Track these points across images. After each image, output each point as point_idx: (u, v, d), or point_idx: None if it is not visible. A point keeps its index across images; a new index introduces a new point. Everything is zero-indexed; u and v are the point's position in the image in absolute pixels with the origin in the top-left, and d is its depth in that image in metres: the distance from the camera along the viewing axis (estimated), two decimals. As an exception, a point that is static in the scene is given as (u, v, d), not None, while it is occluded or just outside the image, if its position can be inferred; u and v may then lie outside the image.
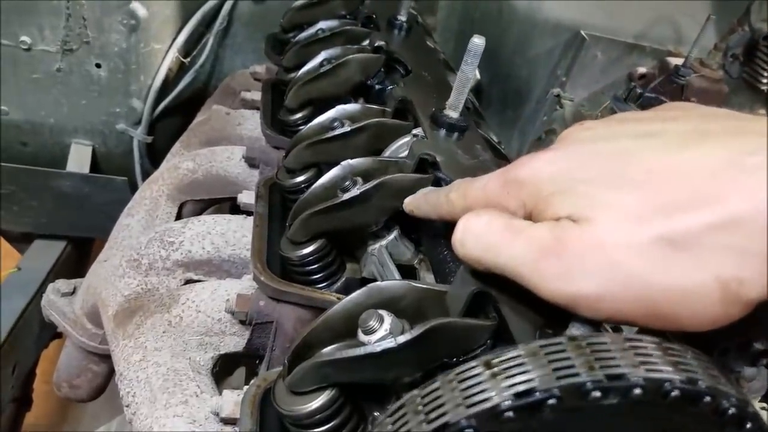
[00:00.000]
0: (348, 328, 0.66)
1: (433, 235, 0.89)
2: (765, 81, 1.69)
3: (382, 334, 0.62)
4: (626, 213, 0.50)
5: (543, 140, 1.77)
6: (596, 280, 0.50)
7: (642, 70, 1.74)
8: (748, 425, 0.47)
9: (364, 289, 0.67)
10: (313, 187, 0.90)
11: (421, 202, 0.79)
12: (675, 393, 0.45)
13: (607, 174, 0.53)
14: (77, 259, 2.06)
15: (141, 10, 1.75)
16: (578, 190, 0.54)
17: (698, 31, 1.57)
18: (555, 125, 1.74)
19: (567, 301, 0.52)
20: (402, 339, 0.59)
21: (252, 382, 0.74)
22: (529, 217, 0.58)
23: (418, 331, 0.59)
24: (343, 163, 0.88)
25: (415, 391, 0.49)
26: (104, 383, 1.38)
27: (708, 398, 0.46)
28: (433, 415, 0.45)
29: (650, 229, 0.49)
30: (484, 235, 0.58)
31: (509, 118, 1.90)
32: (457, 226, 0.60)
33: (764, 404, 1.03)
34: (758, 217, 0.45)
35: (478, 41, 0.86)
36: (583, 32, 1.67)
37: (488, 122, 1.31)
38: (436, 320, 0.61)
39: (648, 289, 0.49)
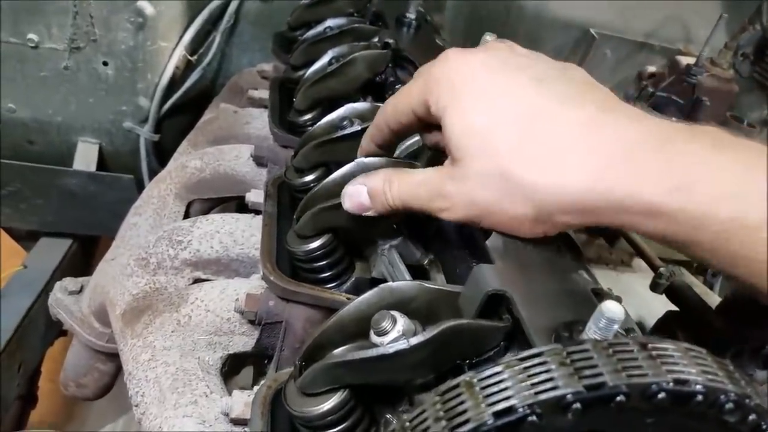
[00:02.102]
0: (360, 329, 0.65)
1: (443, 236, 0.88)
2: (775, 80, 1.68)
3: (394, 335, 0.62)
4: (487, 148, 0.64)
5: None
6: (464, 210, 0.68)
7: (651, 68, 1.74)
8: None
9: (375, 289, 0.67)
10: (325, 182, 0.89)
11: (369, 132, 0.87)
12: (699, 398, 0.45)
13: (492, 103, 0.66)
14: (83, 257, 2.07)
15: (148, 9, 1.75)
16: (468, 124, 0.67)
17: (707, 30, 1.56)
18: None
19: (455, 221, 0.71)
20: (415, 340, 0.59)
21: (262, 382, 0.74)
22: (444, 111, 0.69)
23: (431, 332, 0.59)
24: (357, 160, 0.87)
25: (436, 396, 0.48)
26: (111, 382, 1.38)
27: (730, 403, 0.46)
28: (457, 420, 0.45)
29: (500, 164, 0.63)
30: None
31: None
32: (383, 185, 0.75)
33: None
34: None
35: (489, 39, 0.86)
36: (592, 30, 1.66)
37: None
38: (450, 322, 0.60)
39: (484, 211, 0.66)
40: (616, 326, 0.52)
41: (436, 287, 0.68)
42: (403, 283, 0.68)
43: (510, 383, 0.46)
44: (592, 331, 0.53)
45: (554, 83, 0.66)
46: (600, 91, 0.68)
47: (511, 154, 0.63)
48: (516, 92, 0.66)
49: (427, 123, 0.76)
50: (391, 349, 0.59)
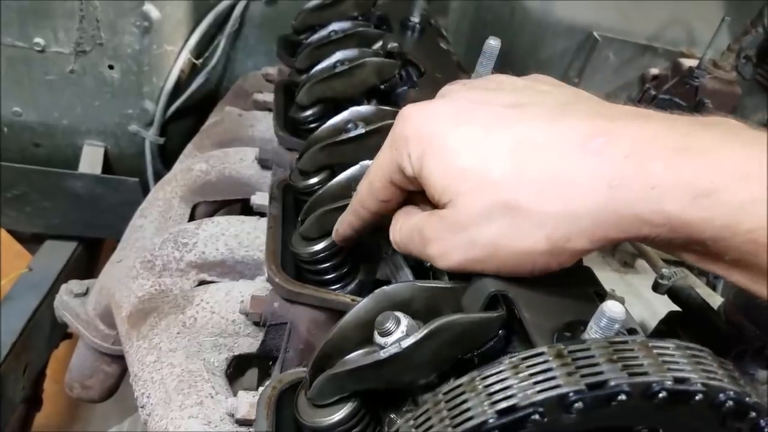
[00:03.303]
0: (364, 334, 0.65)
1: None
2: (778, 83, 1.68)
3: (398, 335, 0.62)
4: (483, 183, 0.59)
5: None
6: (462, 253, 0.61)
7: (654, 71, 1.74)
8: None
9: (371, 295, 0.66)
10: (329, 184, 0.90)
11: (347, 218, 0.80)
12: (699, 397, 0.45)
13: (476, 140, 0.61)
14: (88, 260, 2.07)
15: (154, 12, 1.75)
16: (452, 165, 0.61)
17: (710, 32, 1.56)
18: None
19: (451, 270, 0.64)
20: (406, 343, 0.59)
21: (267, 383, 0.74)
22: (419, 163, 0.64)
23: (422, 332, 0.59)
24: (362, 162, 0.87)
25: (440, 395, 0.49)
26: (116, 384, 1.38)
27: (730, 402, 0.46)
28: (460, 419, 0.45)
29: (501, 196, 0.58)
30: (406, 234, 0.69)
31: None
32: (392, 227, 0.71)
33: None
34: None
35: (493, 43, 0.86)
36: (595, 33, 1.67)
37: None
38: (440, 319, 0.60)
39: (488, 250, 0.60)
40: (617, 326, 0.52)
41: (429, 285, 0.67)
42: (397, 285, 0.67)
43: (512, 382, 0.46)
44: (593, 331, 0.54)
45: (531, 104, 0.63)
46: (579, 95, 0.66)
47: (512, 183, 0.58)
48: (495, 126, 0.61)
49: (410, 192, 0.70)
50: (384, 354, 0.59)
